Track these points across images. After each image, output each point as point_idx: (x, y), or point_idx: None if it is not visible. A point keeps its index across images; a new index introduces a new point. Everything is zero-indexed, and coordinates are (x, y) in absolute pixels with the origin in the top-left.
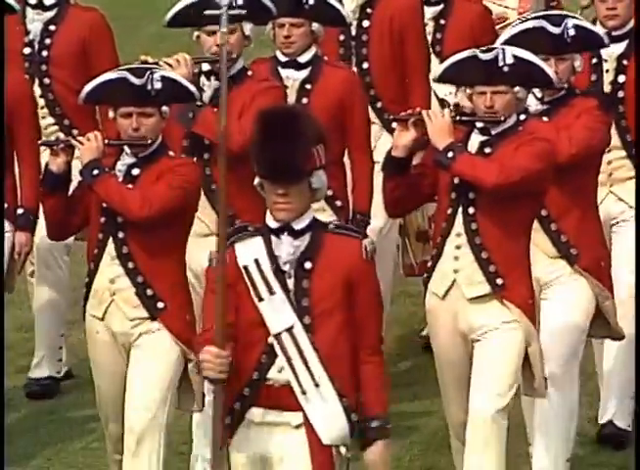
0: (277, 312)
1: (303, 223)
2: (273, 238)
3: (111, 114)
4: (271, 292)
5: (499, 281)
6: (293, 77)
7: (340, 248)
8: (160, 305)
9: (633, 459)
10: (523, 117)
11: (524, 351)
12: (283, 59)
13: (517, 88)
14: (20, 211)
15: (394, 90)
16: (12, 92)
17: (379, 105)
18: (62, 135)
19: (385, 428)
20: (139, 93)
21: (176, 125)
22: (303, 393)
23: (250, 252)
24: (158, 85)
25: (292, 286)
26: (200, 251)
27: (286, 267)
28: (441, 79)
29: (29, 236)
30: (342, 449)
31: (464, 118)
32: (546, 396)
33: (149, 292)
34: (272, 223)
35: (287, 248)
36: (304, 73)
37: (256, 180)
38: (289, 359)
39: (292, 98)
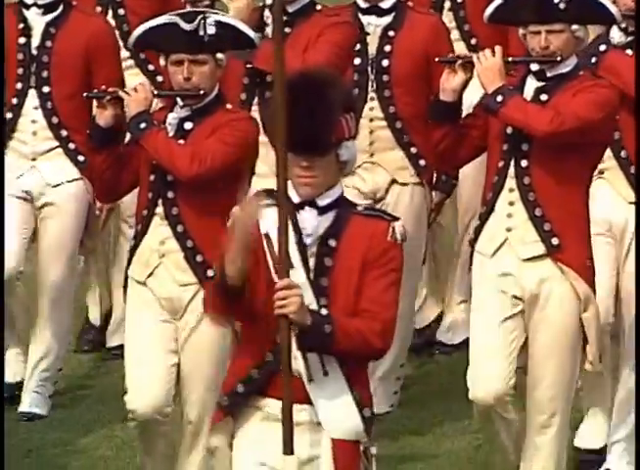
0: None
1: (329, 199)
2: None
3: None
4: (290, 266)
5: (554, 241)
6: (374, 24)
7: (364, 229)
8: (211, 273)
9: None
10: (603, 47)
11: (579, 322)
12: (363, 5)
13: (574, 26)
14: None
15: (491, 26)
16: (91, 34)
17: (473, 41)
18: (144, 79)
19: None
20: (190, 39)
21: (235, 61)
22: (310, 380)
23: (273, 219)
24: (211, 30)
25: (312, 263)
26: None
27: (308, 241)
28: (492, 19)
29: None
30: (363, 445)
31: (517, 59)
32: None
33: (198, 258)
34: (295, 198)
35: (311, 220)
36: (387, 20)
37: None
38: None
39: (373, 46)
